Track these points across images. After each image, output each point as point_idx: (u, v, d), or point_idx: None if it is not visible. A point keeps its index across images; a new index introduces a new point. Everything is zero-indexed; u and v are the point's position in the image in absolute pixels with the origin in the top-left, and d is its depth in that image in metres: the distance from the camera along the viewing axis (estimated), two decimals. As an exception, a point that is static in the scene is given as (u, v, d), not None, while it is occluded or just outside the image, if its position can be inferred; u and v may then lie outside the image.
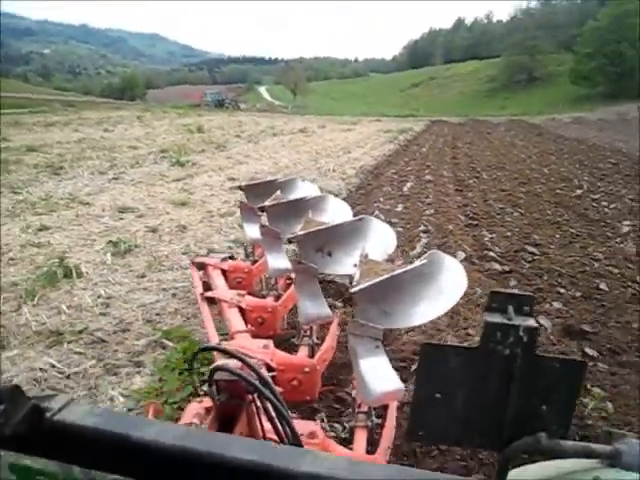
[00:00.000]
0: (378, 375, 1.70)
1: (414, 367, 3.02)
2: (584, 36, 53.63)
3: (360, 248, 2.38)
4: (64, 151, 13.47)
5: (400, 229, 6.22)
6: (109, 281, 4.65)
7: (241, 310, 2.95)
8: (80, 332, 3.68)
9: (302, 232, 2.41)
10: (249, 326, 2.72)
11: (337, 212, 3.08)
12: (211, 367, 1.38)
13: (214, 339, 2.70)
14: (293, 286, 2.82)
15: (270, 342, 2.35)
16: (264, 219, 3.10)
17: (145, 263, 5.09)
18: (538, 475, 0.88)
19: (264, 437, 1.42)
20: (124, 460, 0.62)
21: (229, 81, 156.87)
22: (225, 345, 2.15)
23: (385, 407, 2.23)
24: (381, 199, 8.13)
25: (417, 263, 1.88)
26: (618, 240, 5.79)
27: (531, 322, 1.00)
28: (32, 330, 3.69)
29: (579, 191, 8.72)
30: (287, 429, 1.30)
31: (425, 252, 5.01)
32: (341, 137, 20.16)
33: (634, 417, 2.62)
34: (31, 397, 0.65)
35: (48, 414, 0.64)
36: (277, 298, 3.25)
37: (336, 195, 8.28)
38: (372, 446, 2.00)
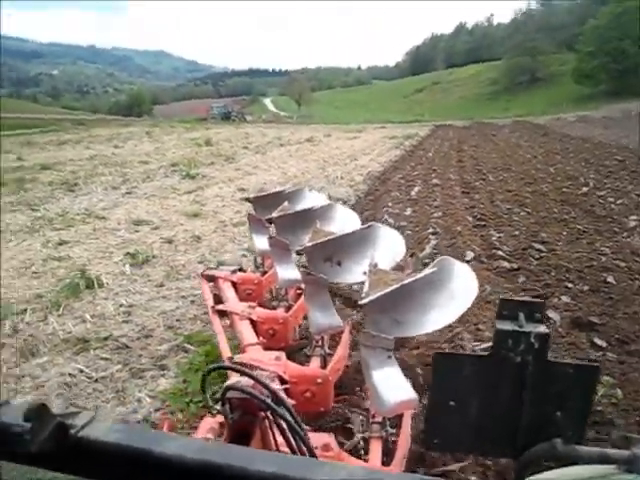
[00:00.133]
0: (391, 385, 1.70)
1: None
2: (585, 35, 53.69)
3: (369, 256, 2.39)
4: (77, 168, 13.75)
5: (409, 232, 6.35)
6: (129, 290, 4.81)
7: (252, 322, 2.94)
8: (105, 339, 3.84)
9: (310, 243, 2.40)
10: (261, 338, 2.73)
11: (345, 220, 3.08)
12: (223, 386, 1.39)
13: (226, 353, 2.68)
14: (303, 297, 2.84)
15: (282, 354, 2.35)
16: (272, 230, 3.12)
17: (163, 273, 5.25)
18: None
19: (277, 449, 1.43)
20: (146, 475, 0.63)
21: (234, 94, 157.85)
22: (237, 358, 2.24)
23: (400, 417, 2.21)
24: (390, 204, 8.25)
25: (427, 271, 1.87)
26: (625, 235, 5.88)
27: (542, 328, 1.01)
28: (59, 338, 3.86)
29: (585, 189, 8.80)
30: (302, 445, 1.30)
31: (435, 252, 5.16)
32: (347, 145, 20.34)
33: (641, 401, 2.73)
34: (56, 414, 0.65)
35: (72, 431, 0.65)
36: (288, 309, 3.22)
37: (345, 202, 8.47)
38: (387, 456, 1.98)
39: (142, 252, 5.80)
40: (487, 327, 3.52)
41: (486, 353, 1.04)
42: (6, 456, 0.62)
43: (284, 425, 1.31)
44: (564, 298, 4.13)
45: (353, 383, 2.99)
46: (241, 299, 3.34)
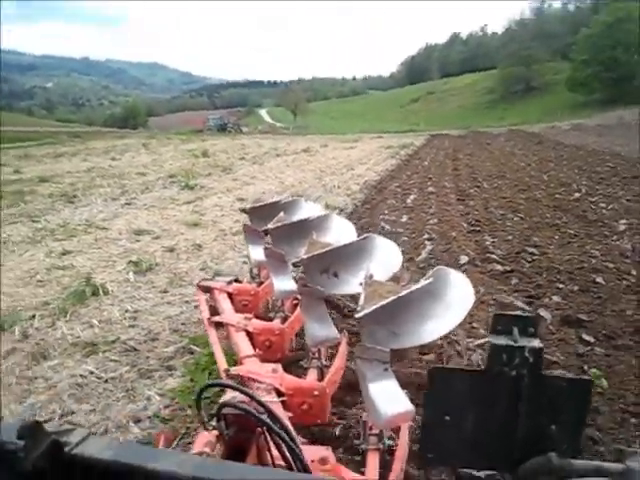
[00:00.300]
0: (388, 398, 1.70)
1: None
2: (579, 44, 54.31)
3: (365, 267, 2.34)
4: (75, 180, 13.85)
5: (406, 238, 6.52)
6: (134, 297, 4.94)
7: (248, 334, 2.93)
8: (113, 342, 3.97)
9: (307, 255, 2.38)
10: (257, 350, 2.72)
11: (341, 231, 3.05)
12: (219, 403, 1.39)
13: (222, 365, 2.66)
14: (299, 308, 2.82)
15: (279, 366, 2.36)
16: (269, 240, 3.04)
17: (166, 279, 5.39)
18: None
19: (273, 465, 1.43)
20: None
21: (229, 105, 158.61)
22: (234, 370, 2.26)
23: (397, 429, 2.21)
24: (386, 211, 8.42)
25: (423, 282, 1.85)
26: (614, 238, 6.06)
27: (536, 343, 1.01)
28: (69, 342, 3.98)
29: (577, 194, 9.00)
30: (298, 462, 1.30)
31: (430, 257, 5.31)
32: (344, 155, 20.53)
33: (626, 391, 2.88)
34: (50, 432, 0.65)
35: (67, 448, 0.65)
36: (284, 320, 3.22)
37: (342, 210, 8.64)
38: (385, 469, 1.98)
39: (145, 260, 5.93)
40: (480, 325, 3.67)
41: (481, 368, 1.04)
42: (0, 474, 0.62)
43: (281, 442, 1.31)
44: (555, 298, 4.29)
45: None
46: (237, 310, 3.34)
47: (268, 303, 3.84)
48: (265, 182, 13.14)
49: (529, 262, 5.33)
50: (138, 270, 5.68)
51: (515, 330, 1.03)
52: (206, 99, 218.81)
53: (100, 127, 73.56)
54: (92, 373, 3.52)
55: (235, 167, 16.74)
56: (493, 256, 5.50)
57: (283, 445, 1.29)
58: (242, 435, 1.41)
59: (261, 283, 3.75)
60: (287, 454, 1.29)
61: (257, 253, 3.30)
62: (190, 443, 2.48)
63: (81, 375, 3.49)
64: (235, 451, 1.40)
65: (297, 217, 3.27)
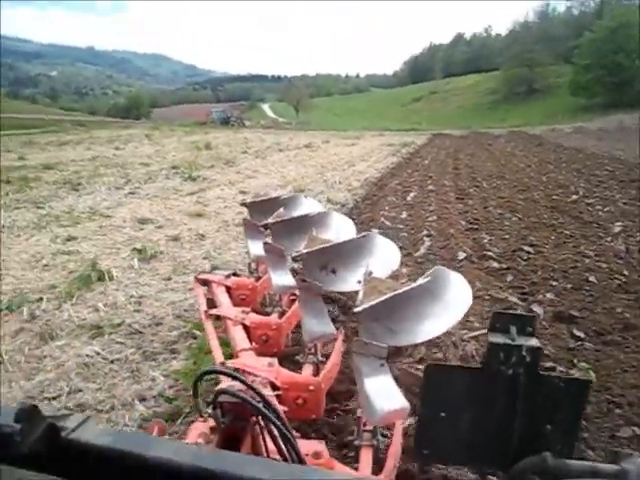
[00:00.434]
0: (383, 394, 1.70)
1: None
2: (582, 48, 54.34)
3: (364, 265, 2.38)
4: (79, 168, 13.95)
5: (405, 234, 6.65)
6: (139, 283, 5.06)
7: (245, 327, 2.93)
8: (118, 325, 4.09)
9: (306, 250, 2.41)
10: (253, 344, 2.71)
11: (341, 228, 3.11)
12: (215, 390, 1.40)
13: (219, 358, 2.67)
14: (297, 303, 2.83)
15: (275, 360, 2.35)
16: (268, 237, 3.09)
17: (170, 267, 5.51)
18: None
19: (268, 456, 1.42)
20: (138, 479, 0.63)
21: (232, 99, 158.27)
22: (230, 363, 2.25)
23: (391, 426, 2.20)
24: (386, 208, 8.54)
25: (421, 280, 1.88)
26: (609, 239, 6.18)
27: (534, 342, 1.02)
28: (75, 324, 4.11)
29: (575, 196, 9.11)
30: (292, 451, 1.31)
31: (428, 253, 5.43)
32: (345, 151, 20.64)
33: (613, 383, 3.01)
34: (47, 416, 0.64)
35: (63, 433, 0.65)
36: (281, 315, 3.21)
37: (343, 205, 8.76)
38: (378, 465, 1.97)
39: (149, 248, 6.06)
40: (476, 319, 3.80)
41: (478, 366, 1.04)
42: None
43: (275, 431, 1.31)
44: (548, 295, 4.42)
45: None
46: (235, 304, 3.34)
47: (265, 298, 3.88)
48: (267, 176, 13.26)
49: (525, 260, 5.45)
50: (142, 257, 5.80)
51: (513, 329, 1.03)
52: (210, 92, 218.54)
53: (103, 117, 73.58)
54: (98, 354, 3.65)
55: (238, 160, 16.83)
56: (490, 253, 5.62)
57: (278, 435, 1.31)
58: (237, 424, 1.42)
59: (259, 278, 3.76)
60: (282, 444, 1.30)
61: (256, 248, 3.33)
62: (193, 421, 2.54)
63: (87, 355, 3.62)
64: (230, 440, 1.40)
65: (297, 213, 3.32)
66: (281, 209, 3.29)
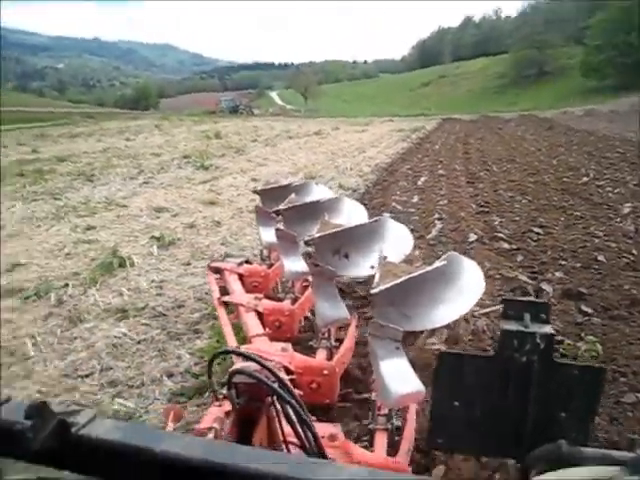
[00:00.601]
0: (398, 377, 1.70)
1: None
2: (593, 28, 53.60)
3: (376, 250, 2.42)
4: (92, 160, 14.14)
5: (416, 217, 6.77)
6: (159, 269, 5.24)
7: (258, 314, 2.94)
8: (142, 309, 4.27)
9: (318, 234, 2.41)
10: (267, 329, 2.73)
11: (352, 214, 3.15)
12: (230, 370, 1.38)
13: (232, 344, 2.69)
14: (310, 289, 2.85)
15: (288, 345, 2.37)
16: (280, 224, 3.12)
17: (188, 253, 5.68)
18: None
19: (284, 440, 1.42)
20: (148, 473, 0.63)
21: (240, 87, 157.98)
22: (244, 349, 2.19)
23: (405, 409, 2.19)
24: (398, 192, 8.65)
25: (436, 264, 1.90)
26: (618, 220, 6.26)
27: (548, 329, 1.01)
28: (101, 308, 4.29)
29: (585, 179, 9.17)
30: (307, 432, 1.29)
31: (440, 235, 5.55)
32: (355, 138, 20.71)
33: (618, 355, 3.14)
34: (57, 412, 0.65)
35: (74, 429, 0.65)
36: (294, 301, 3.22)
37: (355, 190, 8.88)
38: (392, 448, 1.99)
39: (167, 235, 6.22)
40: (486, 296, 3.89)
41: (491, 353, 1.06)
42: (8, 454, 0.63)
43: (290, 411, 1.30)
44: (557, 274, 4.53)
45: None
46: (247, 291, 3.38)
47: (278, 285, 3.91)
48: (278, 164, 13.38)
49: (535, 241, 5.56)
50: (161, 244, 5.97)
51: (527, 316, 1.02)
52: (217, 81, 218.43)
53: (111, 108, 73.86)
54: (125, 335, 3.83)
55: (248, 149, 16.97)
56: (500, 235, 5.73)
57: (293, 415, 1.30)
58: (253, 405, 1.41)
59: (272, 265, 3.81)
60: (297, 425, 1.30)
61: (268, 235, 3.39)
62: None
63: (115, 336, 3.80)
64: (245, 421, 1.40)
65: (308, 199, 3.36)
66: (292, 195, 3.34)
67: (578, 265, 4.74)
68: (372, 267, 2.36)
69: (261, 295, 3.18)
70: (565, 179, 9.24)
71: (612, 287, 4.19)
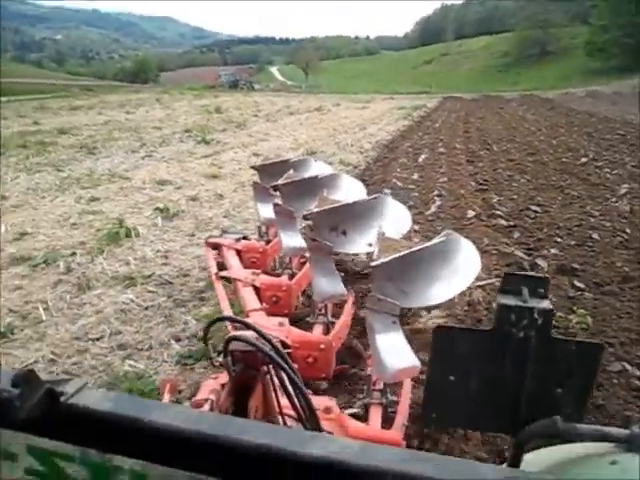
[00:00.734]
0: (394, 351, 1.71)
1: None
2: (599, 8, 53.08)
3: (375, 227, 2.42)
4: (93, 133, 14.15)
5: (416, 194, 6.87)
6: (164, 239, 5.36)
7: (256, 289, 2.92)
8: (149, 277, 4.40)
9: (317, 209, 2.41)
10: (264, 304, 2.71)
11: (351, 190, 3.14)
12: (226, 337, 1.37)
13: None
14: (308, 264, 2.82)
15: (285, 320, 2.37)
16: (278, 199, 3.10)
17: (192, 225, 5.79)
18: (553, 459, 0.87)
19: (280, 410, 1.44)
20: (137, 443, 0.62)
21: (240, 62, 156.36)
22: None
23: (400, 383, 2.19)
24: (398, 169, 8.74)
25: (435, 240, 1.91)
26: (614, 200, 6.39)
27: (546, 304, 0.99)
28: (109, 276, 4.41)
29: (584, 159, 9.26)
30: (302, 401, 1.30)
31: (439, 211, 5.67)
32: (356, 114, 20.69)
33: (608, 327, 3.29)
34: (45, 381, 0.64)
35: (62, 398, 0.64)
36: (291, 277, 3.19)
37: (356, 167, 8.97)
38: (387, 423, 2.01)
39: (171, 207, 6.33)
40: (483, 270, 4.01)
41: (488, 328, 1.03)
42: None
43: (286, 382, 1.31)
44: (552, 250, 4.67)
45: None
46: (245, 267, 3.35)
47: (275, 262, 3.91)
48: (279, 139, 13.42)
49: (532, 219, 5.69)
50: (165, 216, 6.08)
51: (525, 290, 1.01)
52: (217, 55, 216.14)
53: (110, 81, 73.24)
54: (133, 301, 3.96)
55: (249, 123, 16.97)
56: (498, 212, 5.85)
57: (289, 385, 1.30)
58: (248, 373, 1.40)
59: (269, 241, 3.80)
60: (292, 394, 1.30)
61: (266, 211, 3.38)
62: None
63: (123, 302, 3.93)
64: (241, 389, 1.40)
65: (307, 175, 3.34)
66: (291, 171, 3.34)
67: (573, 242, 4.88)
68: (369, 244, 2.38)
69: (259, 270, 3.19)
70: (564, 159, 9.33)
71: (605, 264, 4.33)
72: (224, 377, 1.57)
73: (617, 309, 3.56)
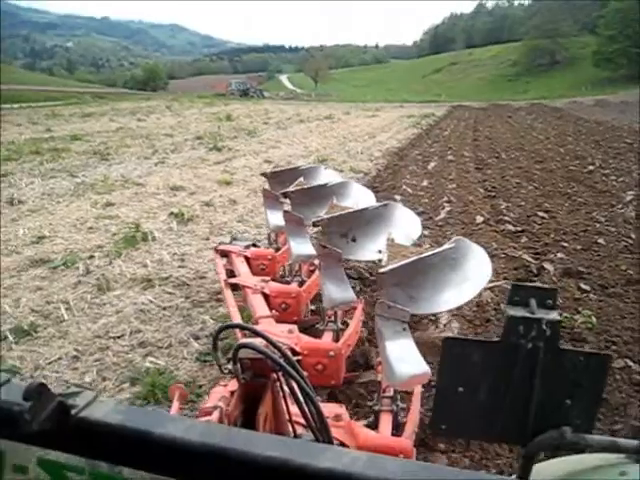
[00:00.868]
0: (404, 358, 1.69)
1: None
2: (607, 18, 53.17)
3: (384, 234, 2.40)
4: (105, 139, 14.32)
5: (426, 200, 7.00)
6: (180, 243, 5.50)
7: (265, 296, 2.92)
8: (166, 279, 4.53)
9: (327, 216, 2.40)
10: (273, 311, 2.71)
11: (360, 198, 3.10)
12: (235, 345, 1.36)
13: None
14: (317, 271, 2.82)
15: (294, 327, 2.37)
16: (287, 206, 3.09)
17: (207, 229, 5.94)
18: (563, 470, 0.86)
19: (289, 417, 1.43)
20: (147, 456, 0.63)
21: (250, 70, 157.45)
22: None
23: (410, 393, 2.21)
24: (407, 176, 8.88)
25: (444, 246, 1.91)
26: (620, 207, 6.48)
27: (554, 315, 0.99)
28: (127, 278, 4.54)
29: (591, 167, 9.36)
30: (312, 409, 1.28)
31: (448, 217, 5.79)
32: (366, 123, 20.86)
33: (612, 327, 3.40)
34: (57, 394, 0.64)
35: (73, 411, 0.64)
36: (301, 284, 3.19)
37: (366, 174, 9.11)
38: (397, 430, 2.03)
39: (185, 212, 6.47)
40: (492, 273, 4.16)
41: (497, 339, 1.02)
42: (7, 436, 0.63)
43: (295, 386, 1.29)
44: (559, 254, 4.78)
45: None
46: (254, 274, 3.37)
47: (285, 269, 3.87)
48: (290, 146, 13.58)
49: (539, 224, 5.80)
50: (180, 221, 6.22)
51: (533, 302, 1.00)
52: (227, 63, 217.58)
53: (120, 89, 73.97)
54: (151, 302, 4.09)
55: (260, 131, 17.15)
56: (506, 218, 5.97)
57: (298, 391, 1.29)
58: (258, 380, 1.39)
59: (279, 249, 3.82)
60: (301, 400, 1.29)
61: (275, 218, 3.40)
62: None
63: (143, 303, 4.05)
64: (250, 397, 1.40)
65: (317, 183, 3.34)
66: (301, 178, 3.35)
67: (579, 247, 4.99)
68: (379, 251, 2.36)
69: (268, 277, 3.20)
70: (571, 167, 9.44)
71: (610, 267, 4.43)
72: (233, 384, 1.58)
73: (621, 310, 3.66)
